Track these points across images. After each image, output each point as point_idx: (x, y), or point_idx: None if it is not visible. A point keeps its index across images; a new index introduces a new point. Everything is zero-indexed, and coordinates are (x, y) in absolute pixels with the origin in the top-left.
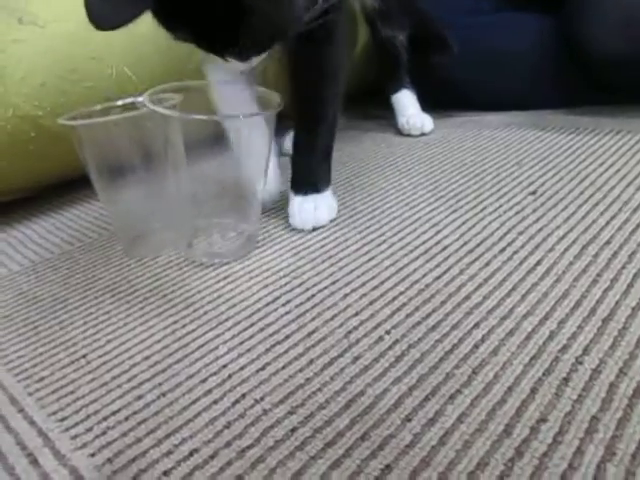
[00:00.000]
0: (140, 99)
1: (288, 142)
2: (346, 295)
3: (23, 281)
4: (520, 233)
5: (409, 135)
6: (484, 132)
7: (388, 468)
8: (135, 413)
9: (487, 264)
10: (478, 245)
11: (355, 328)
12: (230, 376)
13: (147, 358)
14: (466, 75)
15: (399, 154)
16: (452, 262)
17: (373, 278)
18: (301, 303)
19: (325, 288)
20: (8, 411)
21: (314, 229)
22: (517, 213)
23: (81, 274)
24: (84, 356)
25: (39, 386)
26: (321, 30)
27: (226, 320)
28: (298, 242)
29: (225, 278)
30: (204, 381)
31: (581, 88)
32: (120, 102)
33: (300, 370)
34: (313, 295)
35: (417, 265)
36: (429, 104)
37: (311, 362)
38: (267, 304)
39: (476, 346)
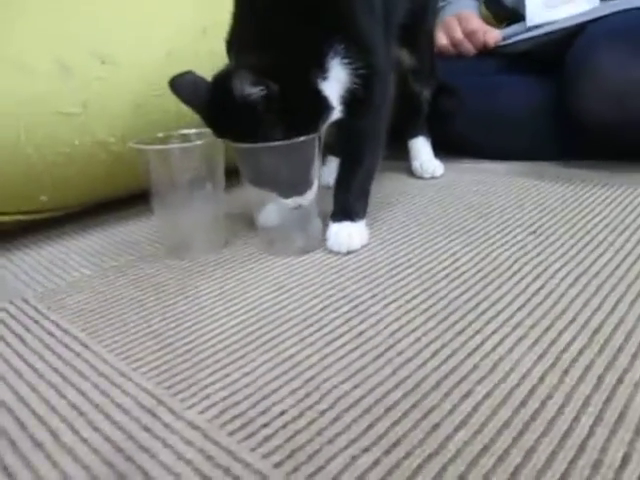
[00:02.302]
0: (193, 131)
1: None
2: (386, 305)
3: (97, 284)
4: (525, 264)
5: (421, 177)
6: (488, 178)
7: (435, 427)
8: (222, 388)
9: (499, 287)
10: (491, 272)
11: (397, 330)
12: (298, 363)
13: (227, 347)
14: (471, 130)
15: (414, 193)
16: (470, 284)
17: (406, 294)
18: (348, 310)
19: (367, 300)
20: (121, 382)
21: (348, 252)
22: (521, 248)
23: (147, 280)
24: (170, 344)
25: (140, 364)
26: (366, 94)
27: (287, 321)
28: (337, 262)
29: (279, 289)
30: (276, 366)
31: (577, 144)
32: (176, 133)
33: (356, 359)
34: (357, 305)
35: (441, 285)
36: (440, 151)
37: (364, 354)
38: (320, 310)
39: (494, 347)
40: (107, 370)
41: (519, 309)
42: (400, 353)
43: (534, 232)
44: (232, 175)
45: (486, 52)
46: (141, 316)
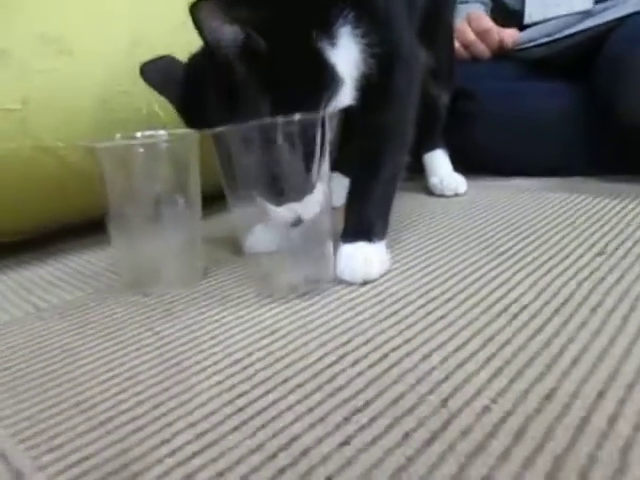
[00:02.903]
0: (161, 132)
1: None
2: (426, 356)
3: (26, 329)
4: (605, 294)
5: (442, 195)
6: (516, 195)
7: None
8: None
9: (582, 325)
10: (562, 305)
11: (450, 395)
12: (305, 453)
13: (192, 426)
14: (493, 140)
15: (436, 212)
16: (540, 323)
17: (452, 338)
18: (374, 363)
19: (398, 347)
20: None
21: (364, 282)
22: (592, 273)
23: (93, 323)
24: (108, 420)
25: (51, 458)
26: (386, 81)
27: (285, 381)
28: (351, 296)
29: (272, 333)
30: (273, 457)
31: (611, 154)
32: (139, 134)
33: (397, 446)
34: (386, 355)
35: (500, 325)
36: (457, 168)
37: (407, 436)
38: (331, 364)
39: (613, 419)
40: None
41: (626, 356)
42: (465, 433)
43: (601, 253)
44: (213, 191)
45: (503, 55)
46: (72, 377)
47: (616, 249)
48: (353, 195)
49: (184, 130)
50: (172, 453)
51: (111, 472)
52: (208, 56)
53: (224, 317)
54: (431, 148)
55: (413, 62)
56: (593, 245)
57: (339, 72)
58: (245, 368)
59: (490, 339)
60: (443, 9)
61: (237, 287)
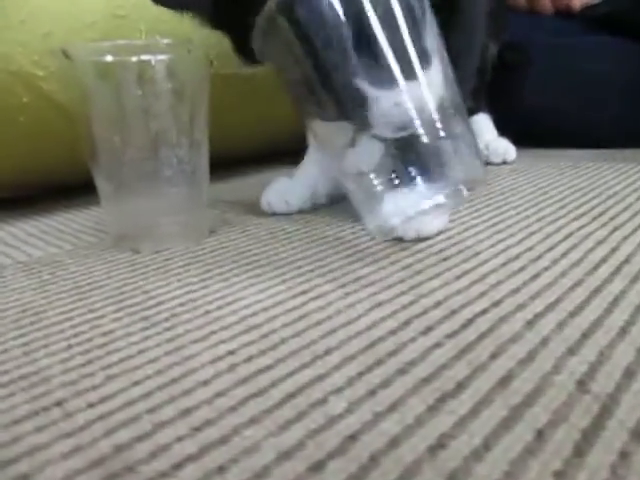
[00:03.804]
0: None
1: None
2: (530, 321)
3: None
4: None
5: (488, 162)
6: (574, 165)
7: None
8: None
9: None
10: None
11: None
12: (376, 459)
13: (188, 413)
14: (543, 103)
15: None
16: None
17: (560, 300)
18: (456, 332)
19: (482, 312)
20: None
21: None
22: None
23: (69, 282)
24: (59, 404)
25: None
26: None
27: (327, 353)
28: (388, 260)
29: (304, 293)
30: (319, 468)
31: None
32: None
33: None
34: (468, 319)
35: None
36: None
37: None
38: (394, 331)
39: None
40: None
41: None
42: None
43: None
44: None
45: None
46: (19, 336)
47: None
48: None
49: (192, 43)
50: (162, 475)
51: None
52: None
53: (236, 275)
54: (474, 111)
55: None
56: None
57: None
58: (265, 336)
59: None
60: None
61: (254, 244)
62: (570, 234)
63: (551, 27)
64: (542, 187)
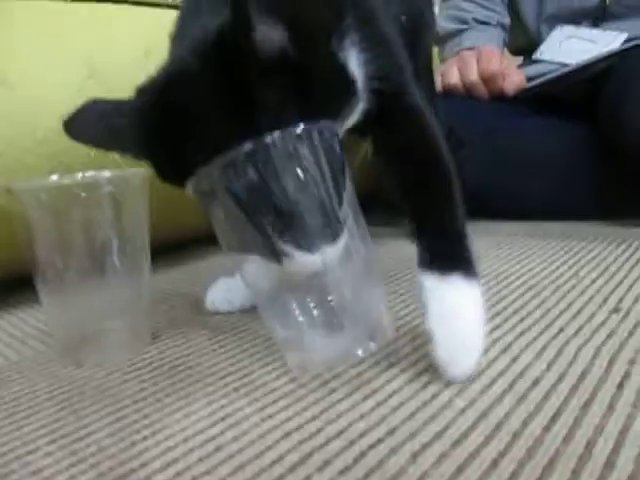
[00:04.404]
0: (104, 173)
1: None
2: (415, 454)
3: None
4: (634, 362)
5: None
6: (507, 240)
7: None
8: None
9: (610, 408)
10: (581, 378)
11: None
12: None
13: None
14: (488, 181)
15: None
16: (557, 403)
17: (448, 427)
18: (348, 467)
19: (379, 442)
20: None
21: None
22: (609, 336)
23: (10, 403)
24: None
25: None
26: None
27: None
28: (343, 392)
29: (233, 425)
30: None
31: (616, 195)
32: (80, 175)
33: None
34: (363, 452)
35: (507, 408)
36: None
37: None
38: (292, 467)
39: None
40: None
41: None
42: None
43: (617, 310)
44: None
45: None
46: None
47: (633, 304)
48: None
49: (131, 170)
50: None
51: None
52: (215, 73)
53: (168, 395)
54: None
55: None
56: (604, 301)
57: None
58: (180, 474)
59: (496, 428)
60: (421, 42)
61: (191, 355)
62: None
63: (488, 111)
64: None
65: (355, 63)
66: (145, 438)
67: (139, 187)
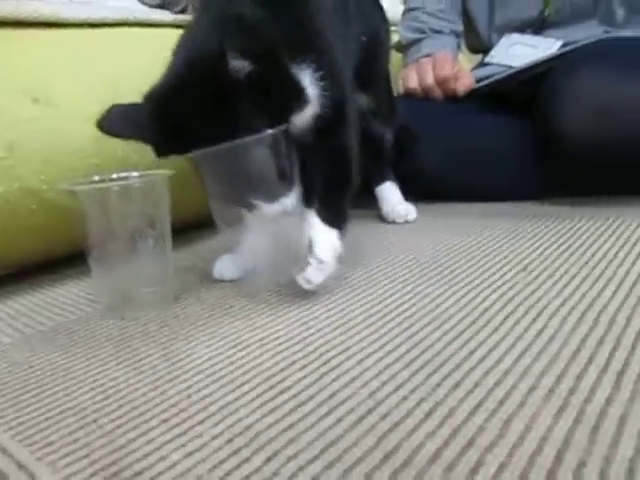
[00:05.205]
0: (134, 174)
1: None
2: (361, 360)
3: (15, 352)
4: (519, 304)
5: (393, 222)
6: (463, 220)
7: None
8: (159, 474)
9: (493, 332)
10: (480, 315)
11: (378, 389)
12: (257, 435)
13: (165, 421)
14: (442, 172)
15: (388, 239)
16: (459, 330)
17: (385, 345)
18: (317, 367)
19: (339, 354)
20: (18, 477)
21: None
22: (511, 287)
23: (76, 345)
24: (95, 420)
25: (48, 450)
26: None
27: (242, 384)
28: (304, 313)
29: (235, 346)
30: (230, 441)
31: (557, 179)
32: (115, 175)
33: (329, 428)
34: (327, 361)
35: (427, 332)
36: (409, 196)
37: (339, 420)
38: (283, 369)
39: (501, 402)
40: (4, 461)
41: (521, 355)
42: (384, 417)
43: (524, 269)
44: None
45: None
46: (63, 387)
47: (538, 266)
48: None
49: (155, 171)
50: (153, 450)
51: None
52: (196, 85)
53: (193, 333)
54: (381, 181)
55: (351, 109)
56: (518, 263)
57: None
58: (208, 376)
59: (416, 344)
60: (379, 57)
61: (204, 308)
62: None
63: (443, 110)
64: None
65: (308, 80)
66: (180, 360)
67: (162, 184)
